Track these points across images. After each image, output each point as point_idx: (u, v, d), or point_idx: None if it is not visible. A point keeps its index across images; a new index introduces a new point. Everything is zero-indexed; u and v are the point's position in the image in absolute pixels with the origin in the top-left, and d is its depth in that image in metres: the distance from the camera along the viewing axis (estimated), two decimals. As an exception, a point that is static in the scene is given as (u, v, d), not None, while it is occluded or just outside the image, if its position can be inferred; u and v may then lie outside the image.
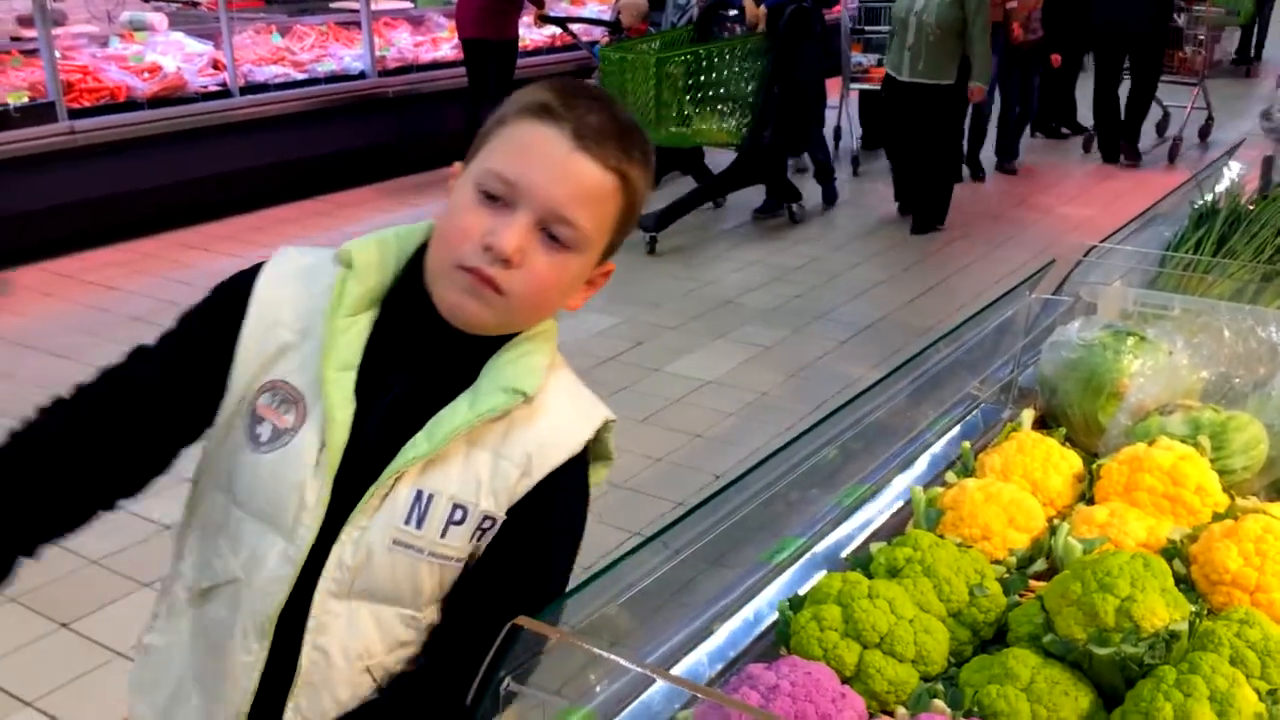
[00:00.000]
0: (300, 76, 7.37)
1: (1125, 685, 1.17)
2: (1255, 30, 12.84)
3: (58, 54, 6.18)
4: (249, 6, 8.63)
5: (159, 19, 7.48)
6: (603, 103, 1.14)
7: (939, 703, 1.19)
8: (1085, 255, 2.22)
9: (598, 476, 1.25)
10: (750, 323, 5.41)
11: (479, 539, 1.16)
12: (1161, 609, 1.19)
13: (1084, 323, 1.89)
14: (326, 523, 1.12)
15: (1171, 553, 1.41)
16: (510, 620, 1.05)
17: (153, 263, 6.06)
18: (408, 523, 1.13)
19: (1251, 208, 2.51)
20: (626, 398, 4.53)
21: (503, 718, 1.06)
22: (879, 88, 7.12)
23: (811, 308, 5.62)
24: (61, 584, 3.20)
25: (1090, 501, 1.59)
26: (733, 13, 6.70)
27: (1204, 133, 9.12)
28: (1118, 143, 8.62)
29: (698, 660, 1.33)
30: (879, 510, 1.67)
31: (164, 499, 1.32)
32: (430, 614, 1.18)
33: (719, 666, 1.34)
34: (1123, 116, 8.55)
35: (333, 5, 8.90)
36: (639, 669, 1.11)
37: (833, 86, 8.36)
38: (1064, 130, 9.43)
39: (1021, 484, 1.60)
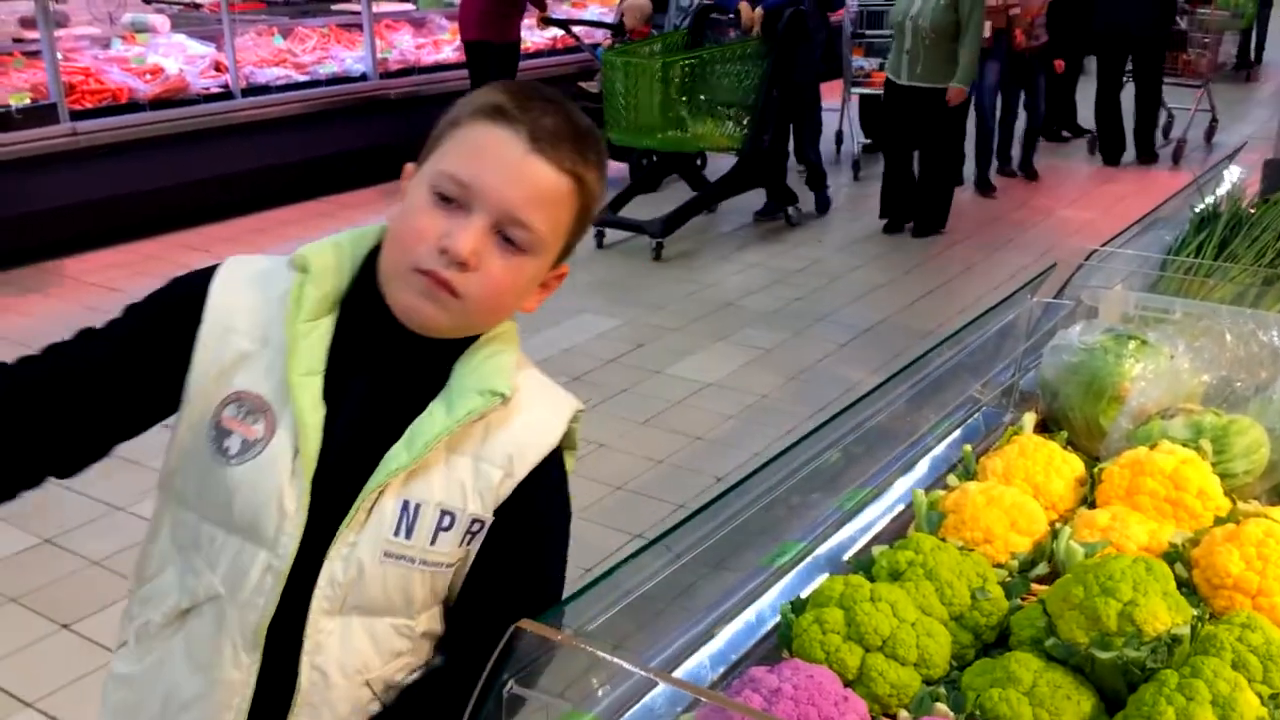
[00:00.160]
0: (302, 78, 7.37)
1: (1127, 689, 1.18)
2: (1254, 34, 12.84)
3: (60, 56, 6.18)
4: (251, 9, 8.63)
5: (161, 21, 7.48)
6: (557, 105, 1.13)
7: (941, 706, 1.19)
8: (1087, 259, 2.22)
9: (567, 465, 1.25)
10: (751, 325, 5.41)
11: (469, 542, 1.16)
12: (1164, 613, 1.19)
13: (1085, 326, 1.89)
14: (308, 530, 1.11)
15: (1173, 556, 1.41)
16: (518, 617, 1.06)
17: (155, 264, 6.06)
18: (397, 534, 1.12)
19: (1253, 211, 2.51)
20: (627, 400, 4.53)
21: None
22: (880, 92, 7.11)
23: (812, 310, 5.63)
24: (62, 585, 3.20)
25: (1092, 505, 1.59)
26: (727, 16, 6.69)
27: (1209, 135, 9.13)
28: (1119, 146, 8.63)
29: (699, 663, 1.33)
30: (881, 513, 1.67)
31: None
32: (423, 621, 1.18)
33: (721, 670, 1.34)
34: (1128, 121, 8.55)
35: (334, 7, 8.91)
36: (642, 672, 1.11)
37: (834, 90, 8.37)
38: (1065, 133, 9.44)
39: (1023, 487, 1.60)
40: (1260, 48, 13.13)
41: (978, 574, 1.36)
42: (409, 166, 1.16)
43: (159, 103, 6.53)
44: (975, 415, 1.96)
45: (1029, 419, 1.81)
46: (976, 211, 7.40)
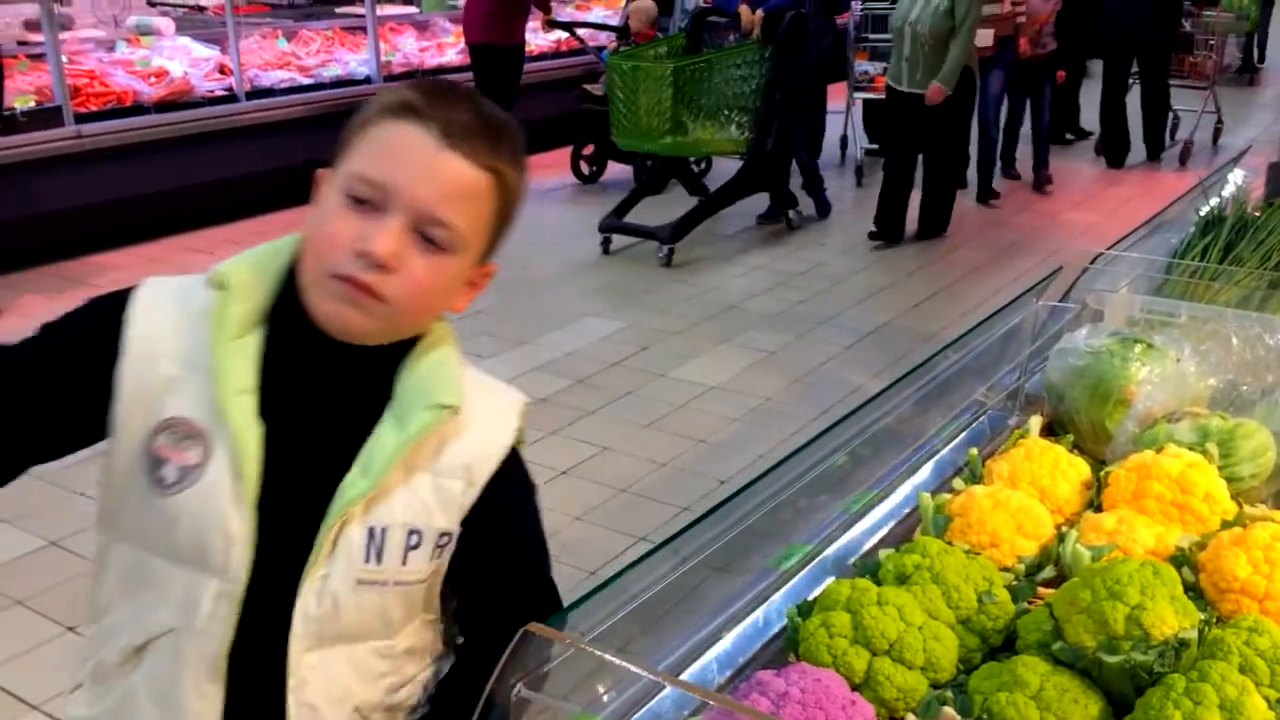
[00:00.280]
0: (306, 81, 7.38)
1: (1135, 693, 1.18)
2: (1256, 37, 12.81)
3: (65, 58, 6.19)
4: (255, 11, 8.66)
5: (165, 24, 7.51)
6: (470, 100, 1.11)
7: (949, 710, 1.19)
8: (1092, 262, 2.22)
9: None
10: (754, 328, 5.41)
11: (439, 556, 1.15)
12: (1171, 617, 1.19)
13: (1091, 330, 1.89)
14: (261, 554, 1.08)
15: (1180, 560, 1.41)
16: (522, 612, 1.06)
17: (159, 267, 6.05)
18: (368, 561, 1.10)
19: (1258, 215, 2.51)
20: (631, 403, 4.53)
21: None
22: (883, 97, 7.10)
23: (815, 313, 5.63)
24: (68, 587, 3.20)
25: (1098, 509, 1.59)
26: (726, 19, 6.68)
27: (1215, 137, 9.13)
28: (1124, 148, 8.63)
29: (706, 666, 1.33)
30: (887, 517, 1.67)
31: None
32: (403, 639, 1.17)
33: (727, 673, 1.34)
34: (1133, 124, 8.55)
35: (338, 10, 8.93)
36: (650, 675, 1.11)
37: (841, 92, 8.36)
38: (1068, 135, 9.43)
39: (1029, 491, 1.60)
40: (1262, 51, 13.11)
41: (984, 577, 1.36)
42: (321, 172, 1.13)
43: (164, 105, 6.55)
44: (981, 419, 1.96)
45: (1035, 422, 1.81)
46: (980, 214, 7.39)
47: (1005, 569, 1.45)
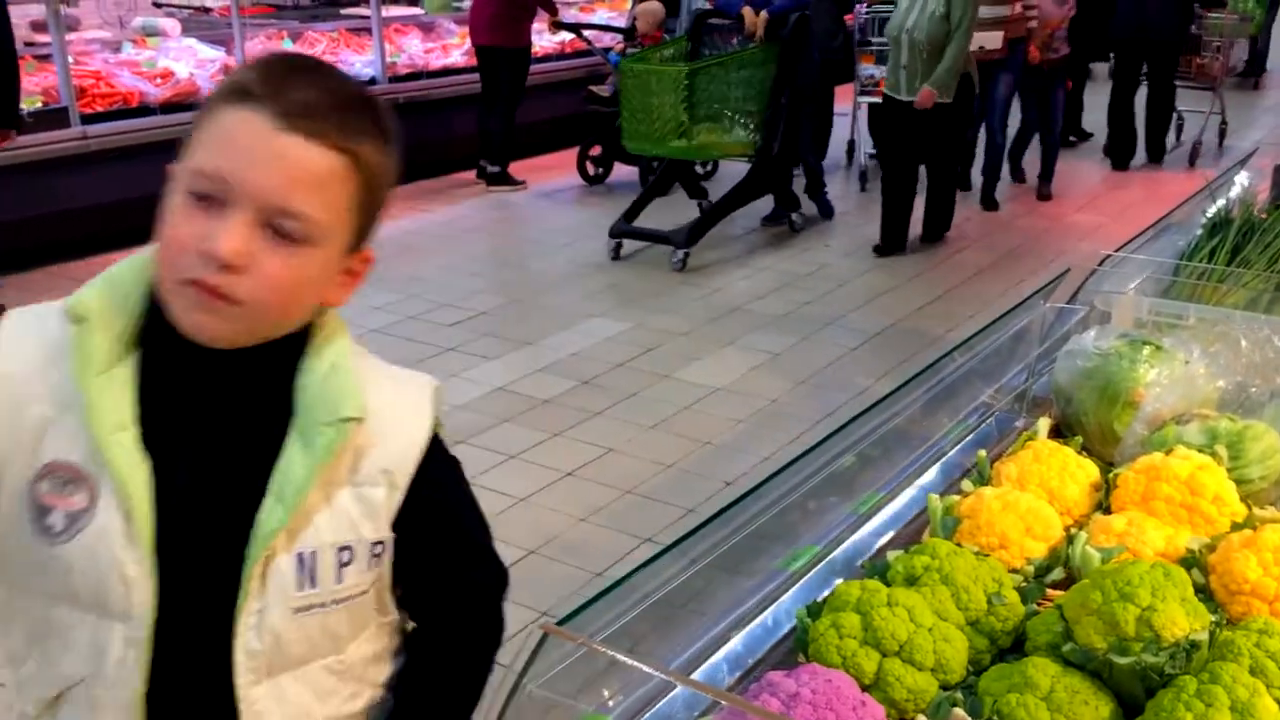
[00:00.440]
0: (311, 82, 7.39)
1: (1145, 695, 1.18)
2: (1259, 40, 12.80)
3: (70, 59, 6.21)
4: (261, 13, 8.67)
5: (171, 25, 7.52)
6: (316, 76, 1.01)
7: (959, 711, 1.20)
8: (1100, 264, 2.22)
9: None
10: (760, 329, 5.41)
11: (376, 565, 1.10)
12: (1182, 619, 1.19)
13: (1099, 331, 1.89)
14: (169, 593, 1.03)
15: (1190, 562, 1.41)
16: (472, 593, 1.06)
17: (164, 267, 6.08)
18: (301, 589, 1.05)
19: (1264, 217, 2.52)
20: (636, 404, 4.53)
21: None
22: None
23: (821, 314, 5.62)
24: None
25: (1107, 511, 1.59)
26: (729, 21, 6.67)
27: (1220, 138, 9.12)
28: (1130, 150, 8.62)
29: (715, 666, 1.33)
30: (895, 518, 1.67)
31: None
32: (353, 650, 1.13)
33: (737, 674, 1.34)
34: (1140, 126, 8.55)
35: (344, 12, 8.94)
36: (661, 675, 1.11)
37: (849, 94, 8.34)
38: (1071, 137, 9.41)
39: (1038, 493, 1.60)
40: (1263, 60, 13.09)
41: (993, 579, 1.37)
42: (170, 168, 1.04)
43: (169, 106, 6.55)
44: (989, 420, 1.96)
45: (1043, 424, 1.81)
46: (984, 217, 7.38)
47: (1014, 571, 1.45)
